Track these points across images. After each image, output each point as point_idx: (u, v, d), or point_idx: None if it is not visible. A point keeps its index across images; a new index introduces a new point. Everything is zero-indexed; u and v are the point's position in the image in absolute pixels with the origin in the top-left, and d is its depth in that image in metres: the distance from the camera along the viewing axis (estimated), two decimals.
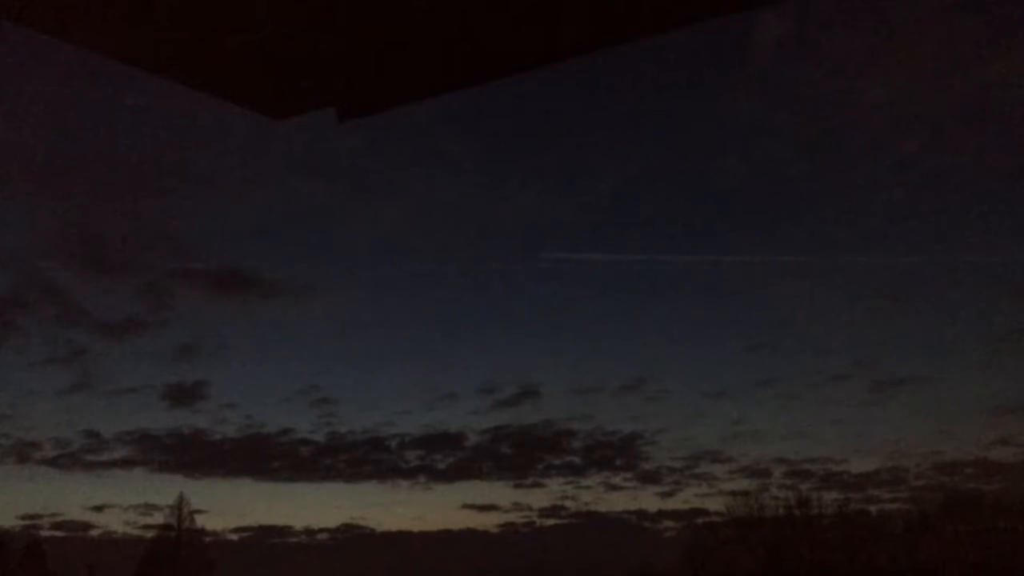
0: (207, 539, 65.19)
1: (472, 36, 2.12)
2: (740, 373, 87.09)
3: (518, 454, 77.06)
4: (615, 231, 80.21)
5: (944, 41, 58.91)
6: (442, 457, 78.02)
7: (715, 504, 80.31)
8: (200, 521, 64.66)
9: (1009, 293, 68.82)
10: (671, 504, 76.30)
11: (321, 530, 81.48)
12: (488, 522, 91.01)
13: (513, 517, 78.79)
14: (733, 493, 66.58)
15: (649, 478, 74.26)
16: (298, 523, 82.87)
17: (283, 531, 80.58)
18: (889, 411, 76.84)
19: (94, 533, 70.54)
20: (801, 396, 79.20)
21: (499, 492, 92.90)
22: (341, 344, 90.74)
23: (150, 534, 63.76)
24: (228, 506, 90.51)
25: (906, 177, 69.81)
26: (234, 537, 75.62)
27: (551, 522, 76.22)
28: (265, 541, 78.24)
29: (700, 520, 65.67)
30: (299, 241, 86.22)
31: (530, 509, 76.79)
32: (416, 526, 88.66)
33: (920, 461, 70.67)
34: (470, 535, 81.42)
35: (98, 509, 74.92)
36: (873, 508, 60.85)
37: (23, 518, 67.24)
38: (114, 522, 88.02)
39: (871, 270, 73.89)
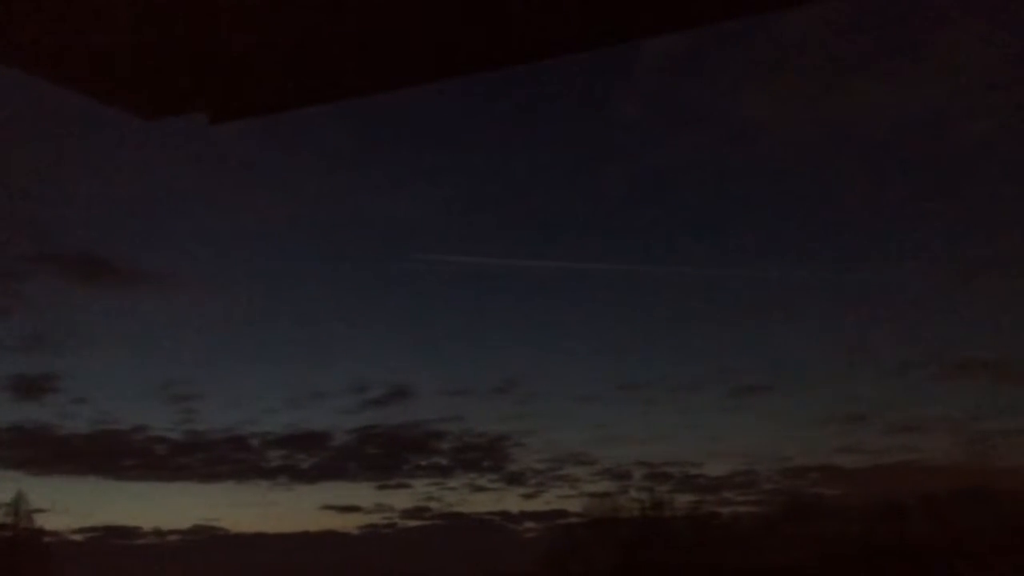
0: (47, 539, 61.85)
1: (347, 47, 2.19)
2: (606, 377, 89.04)
3: (384, 455, 76.14)
4: (488, 234, 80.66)
5: (822, 61, 61.96)
6: (306, 457, 76.09)
7: (576, 506, 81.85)
8: (41, 521, 61.12)
9: (859, 309, 73.43)
10: (534, 505, 77.14)
11: (172, 531, 78.14)
12: (349, 523, 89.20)
13: (375, 518, 77.75)
14: (593, 495, 68.15)
15: (514, 479, 74.88)
16: (148, 524, 79.13)
17: (131, 532, 76.79)
18: (744, 417, 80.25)
19: None
20: (662, 401, 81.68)
21: (362, 493, 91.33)
22: (204, 338, 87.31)
23: None
24: (73, 505, 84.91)
25: (772, 196, 73.44)
26: (78, 537, 71.60)
27: (413, 523, 75.70)
28: (111, 542, 74.49)
29: (560, 521, 66.96)
30: (165, 231, 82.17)
31: (392, 510, 76.02)
32: (273, 527, 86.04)
33: (770, 466, 74.32)
34: (330, 537, 79.96)
35: None
36: (725, 510, 63.80)
37: None
38: None
39: (731, 283, 77.26)
